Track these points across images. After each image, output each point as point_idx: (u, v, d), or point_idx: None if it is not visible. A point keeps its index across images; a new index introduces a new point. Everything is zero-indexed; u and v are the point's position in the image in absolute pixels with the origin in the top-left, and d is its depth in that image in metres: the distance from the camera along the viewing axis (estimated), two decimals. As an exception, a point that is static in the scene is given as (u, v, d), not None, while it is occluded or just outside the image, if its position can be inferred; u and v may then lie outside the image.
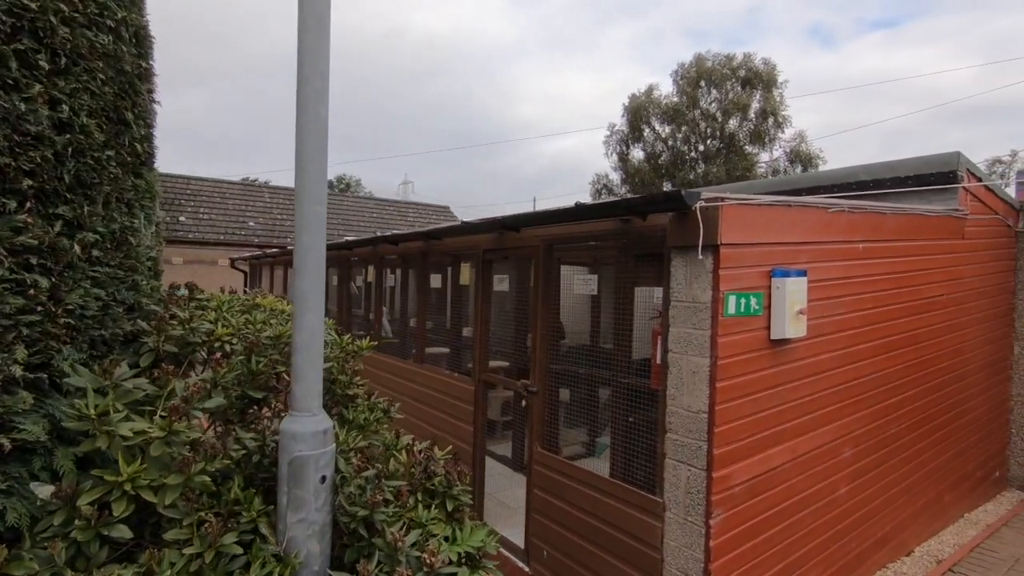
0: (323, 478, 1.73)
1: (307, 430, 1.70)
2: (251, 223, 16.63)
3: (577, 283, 5.19)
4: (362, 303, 7.26)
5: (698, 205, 2.74)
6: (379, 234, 6.06)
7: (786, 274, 3.10)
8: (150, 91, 2.23)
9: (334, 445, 1.81)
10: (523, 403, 4.08)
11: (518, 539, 4.19)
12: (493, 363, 6.32)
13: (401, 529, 1.76)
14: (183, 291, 2.58)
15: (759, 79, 26.93)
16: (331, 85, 1.73)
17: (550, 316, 3.99)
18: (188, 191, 16.81)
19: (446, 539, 1.89)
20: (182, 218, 15.58)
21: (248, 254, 12.04)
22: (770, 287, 3.10)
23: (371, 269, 6.67)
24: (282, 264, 9.82)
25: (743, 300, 2.95)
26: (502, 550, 4.24)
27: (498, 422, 6.90)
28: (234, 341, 2.29)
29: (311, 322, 1.74)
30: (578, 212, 3.14)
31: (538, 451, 3.96)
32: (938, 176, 4.98)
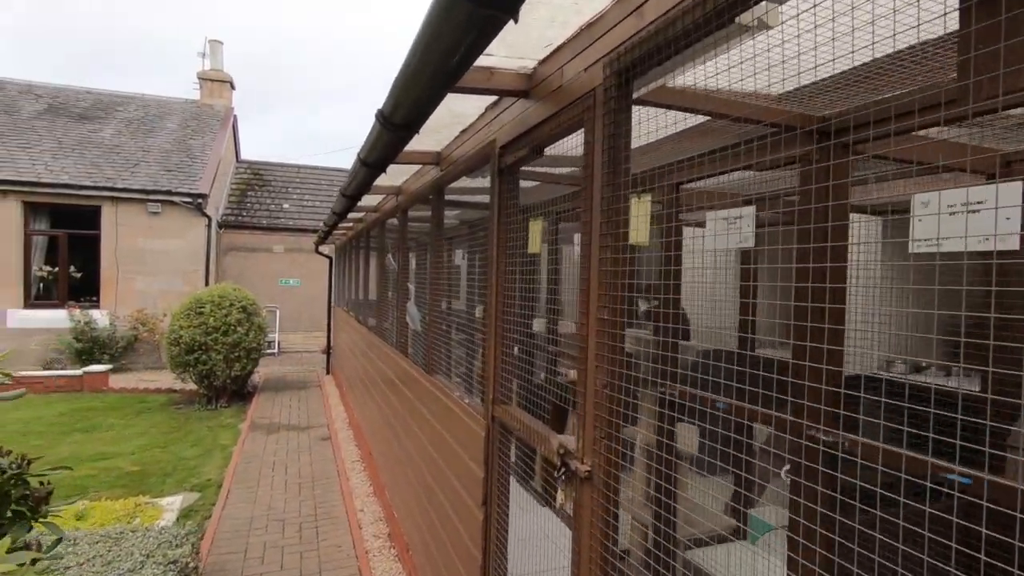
0: None
1: None
2: (355, 209, 15.66)
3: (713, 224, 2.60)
4: (391, 285, 5.18)
5: None
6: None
7: None
8: None
9: None
10: (556, 502, 1.60)
11: None
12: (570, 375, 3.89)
13: None
14: None
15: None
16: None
17: (618, 264, 1.46)
18: (297, 179, 16.34)
19: None
20: (286, 205, 15.01)
21: (324, 229, 9.72)
22: None
23: (398, 232, 4.56)
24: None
25: None
26: None
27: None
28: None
29: None
30: None
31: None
32: None
